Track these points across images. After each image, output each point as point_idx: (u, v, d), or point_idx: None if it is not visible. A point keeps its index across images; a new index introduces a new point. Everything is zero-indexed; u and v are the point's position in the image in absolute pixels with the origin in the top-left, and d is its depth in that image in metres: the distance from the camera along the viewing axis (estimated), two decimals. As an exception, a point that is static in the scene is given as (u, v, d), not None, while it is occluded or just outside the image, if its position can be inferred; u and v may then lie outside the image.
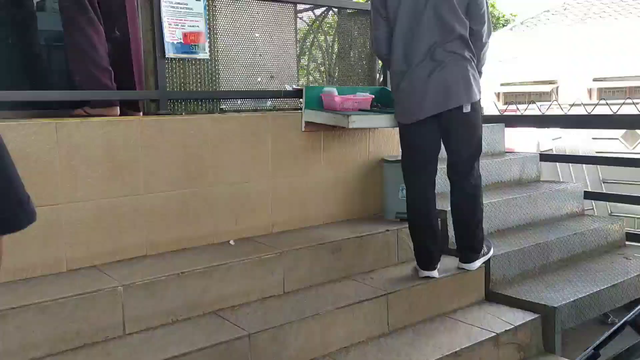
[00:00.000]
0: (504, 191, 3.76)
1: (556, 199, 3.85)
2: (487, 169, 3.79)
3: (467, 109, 2.67)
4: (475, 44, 2.72)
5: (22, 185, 0.97)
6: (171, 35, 2.66)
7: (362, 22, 3.63)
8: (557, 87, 14.35)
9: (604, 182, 7.15)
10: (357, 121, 2.79)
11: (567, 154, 7.32)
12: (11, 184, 0.96)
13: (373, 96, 3.12)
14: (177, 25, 2.69)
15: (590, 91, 13.84)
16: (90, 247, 2.41)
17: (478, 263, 2.94)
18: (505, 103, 15.03)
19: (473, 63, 2.69)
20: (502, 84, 15.77)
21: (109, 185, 2.45)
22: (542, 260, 3.29)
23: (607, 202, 5.98)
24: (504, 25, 18.14)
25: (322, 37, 3.66)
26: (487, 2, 2.75)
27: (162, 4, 2.64)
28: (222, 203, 2.79)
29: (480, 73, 2.80)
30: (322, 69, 3.66)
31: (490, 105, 5.11)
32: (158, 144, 2.57)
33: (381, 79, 3.71)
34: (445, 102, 2.65)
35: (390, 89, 3.07)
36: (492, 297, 3.01)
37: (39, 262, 2.29)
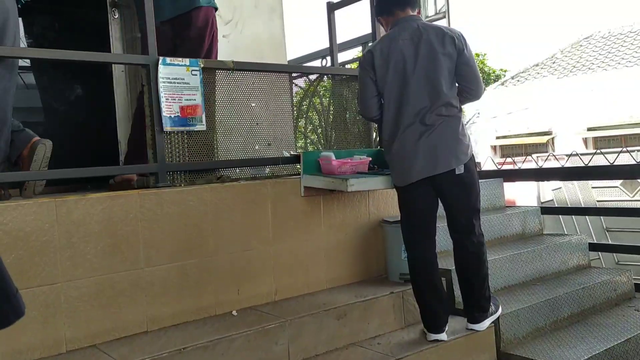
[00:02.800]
0: (507, 246, 3.73)
1: (561, 252, 3.81)
2: (489, 224, 3.77)
3: (459, 170, 2.69)
4: (468, 100, 2.79)
5: (9, 279, 0.93)
6: (168, 109, 2.71)
7: (355, 85, 3.70)
8: (553, 138, 14.52)
9: (607, 231, 7.11)
10: (356, 184, 2.80)
11: (569, 205, 7.32)
12: None
13: (370, 158, 3.14)
14: (175, 99, 2.74)
15: (585, 140, 13.99)
16: (90, 325, 2.36)
17: (487, 323, 2.88)
18: (503, 156, 15.16)
19: (462, 120, 2.75)
20: (497, 137, 15.96)
21: (109, 261, 2.43)
22: (553, 316, 3.22)
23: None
24: (495, 81, 18.56)
25: (318, 100, 3.73)
26: (473, 57, 2.81)
27: (160, 79, 2.70)
28: (223, 273, 2.76)
29: None
30: (319, 130, 3.70)
31: (487, 161, 5.14)
32: (157, 217, 2.56)
33: (378, 139, 3.75)
34: (434, 166, 2.67)
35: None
36: (505, 358, 2.92)
37: (38, 343, 2.23)
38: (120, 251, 2.46)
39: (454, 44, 2.69)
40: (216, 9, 3.37)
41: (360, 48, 5.02)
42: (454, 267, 2.94)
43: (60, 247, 2.31)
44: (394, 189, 2.93)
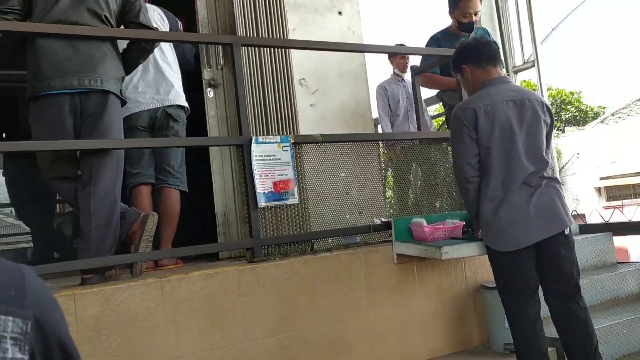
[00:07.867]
0: (623, 309, 3.43)
1: (686, 314, 3.44)
2: (600, 284, 3.50)
3: (568, 230, 2.59)
4: None
5: None
6: (262, 185, 2.82)
7: (442, 147, 3.67)
8: (666, 177, 13.42)
9: None
10: (450, 252, 2.73)
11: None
12: None
13: (464, 222, 3.06)
14: (267, 175, 2.85)
15: None
16: (193, 402, 2.42)
17: (606, 398, 2.64)
18: (609, 198, 14.19)
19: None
20: (601, 178, 15.00)
21: (210, 337, 2.51)
22: (682, 390, 2.89)
23: None
24: (593, 119, 17.63)
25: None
26: None
27: (253, 157, 2.83)
28: (319, 345, 2.75)
29: None
30: (410, 192, 3.67)
31: (593, 213, 4.83)
32: (254, 291, 2.63)
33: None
34: (549, 227, 2.59)
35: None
36: None
37: (145, 421, 2.32)
38: (220, 327, 2.53)
39: (550, 113, 2.73)
40: None
41: (440, 104, 5.01)
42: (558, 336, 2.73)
43: (165, 325, 2.42)
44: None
